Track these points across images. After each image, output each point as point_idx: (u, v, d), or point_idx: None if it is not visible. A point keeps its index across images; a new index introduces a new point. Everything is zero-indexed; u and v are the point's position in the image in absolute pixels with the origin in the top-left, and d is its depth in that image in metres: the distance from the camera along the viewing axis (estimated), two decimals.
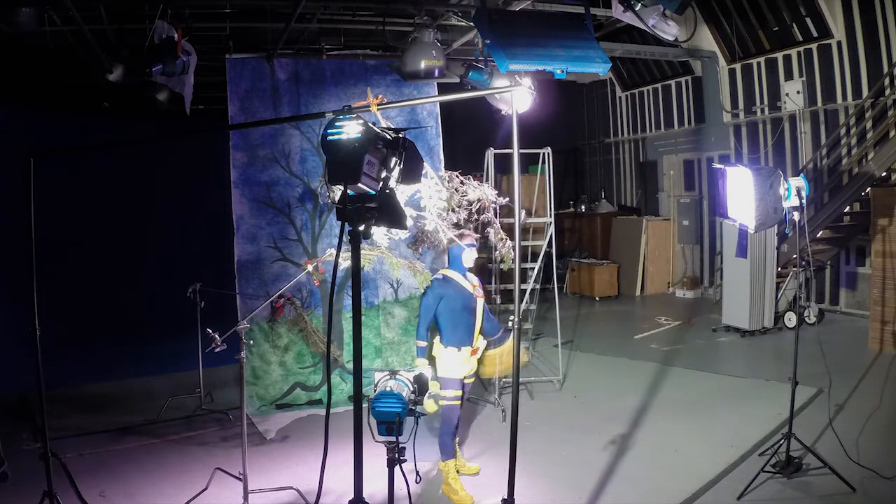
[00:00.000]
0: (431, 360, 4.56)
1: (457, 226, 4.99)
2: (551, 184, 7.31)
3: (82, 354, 7.76)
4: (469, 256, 4.61)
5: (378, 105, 3.26)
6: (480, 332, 4.67)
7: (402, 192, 4.50)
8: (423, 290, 6.31)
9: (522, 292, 5.35)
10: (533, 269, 7.28)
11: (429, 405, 4.18)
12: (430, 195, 4.72)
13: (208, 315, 5.81)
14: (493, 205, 5.27)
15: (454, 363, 4.50)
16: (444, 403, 4.50)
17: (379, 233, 4.78)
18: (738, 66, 10.85)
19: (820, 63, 9.55)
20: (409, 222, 4.63)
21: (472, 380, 4.70)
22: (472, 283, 4.60)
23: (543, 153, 7.15)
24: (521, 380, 4.73)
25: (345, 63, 6.70)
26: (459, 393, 4.55)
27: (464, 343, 4.50)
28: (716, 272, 11.19)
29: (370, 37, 6.84)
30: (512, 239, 5.28)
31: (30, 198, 3.73)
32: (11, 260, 7.35)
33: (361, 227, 2.19)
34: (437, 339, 4.60)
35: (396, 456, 2.86)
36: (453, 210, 4.96)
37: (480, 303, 4.62)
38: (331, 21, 6.57)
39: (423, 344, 4.52)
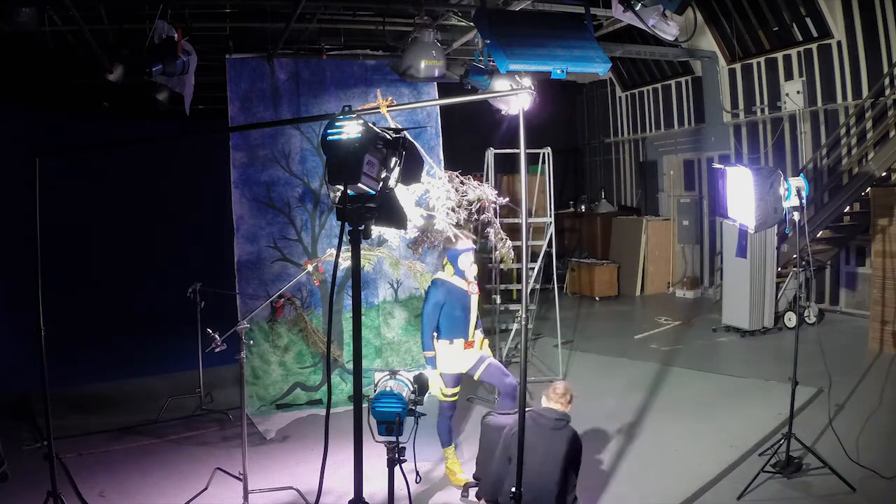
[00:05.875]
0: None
1: (457, 226, 4.99)
2: (551, 184, 7.31)
3: (82, 354, 7.76)
4: (466, 260, 4.64)
5: (388, 107, 3.28)
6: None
7: (413, 192, 4.53)
8: (423, 292, 6.39)
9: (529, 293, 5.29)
10: (533, 269, 7.29)
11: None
12: (439, 195, 4.74)
13: (208, 315, 5.81)
14: (493, 205, 5.27)
15: (448, 356, 4.60)
16: (441, 399, 4.63)
17: (391, 233, 4.87)
18: (738, 66, 10.84)
19: (820, 63, 9.55)
20: (421, 222, 4.68)
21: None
22: (466, 281, 4.66)
23: (543, 153, 7.15)
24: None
25: (345, 63, 6.70)
26: (456, 390, 4.67)
27: (455, 335, 4.59)
28: (716, 272, 11.19)
29: (370, 37, 6.84)
30: (512, 239, 5.28)
31: (35, 198, 3.72)
32: (12, 260, 7.39)
33: (361, 227, 2.20)
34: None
35: (396, 456, 2.87)
36: (453, 210, 4.96)
37: (475, 299, 4.71)
38: (331, 21, 6.57)
39: (431, 354, 4.62)
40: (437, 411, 4.68)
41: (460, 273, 4.65)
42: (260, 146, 6.40)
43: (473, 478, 4.45)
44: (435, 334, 4.63)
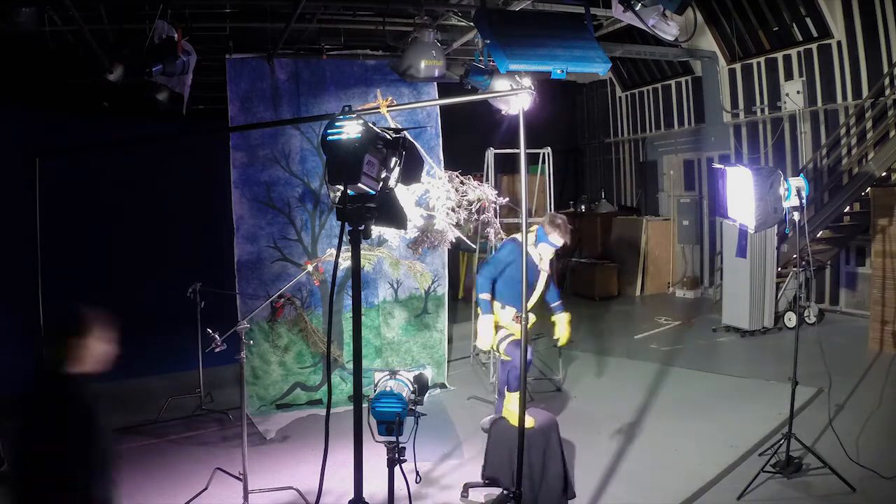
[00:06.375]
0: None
1: (458, 226, 5.02)
2: (551, 184, 7.31)
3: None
4: (546, 250, 4.79)
5: (388, 107, 3.29)
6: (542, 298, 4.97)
7: (413, 192, 4.54)
8: (423, 292, 6.42)
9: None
10: None
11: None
12: (439, 195, 4.76)
13: (208, 315, 5.81)
14: (493, 205, 5.28)
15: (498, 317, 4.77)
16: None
17: (391, 233, 4.90)
18: (738, 66, 10.85)
19: (820, 63, 9.55)
20: (421, 222, 4.70)
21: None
22: (539, 255, 4.82)
23: (543, 153, 7.16)
24: None
25: (345, 63, 6.70)
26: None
27: (510, 303, 4.74)
28: (716, 272, 11.19)
29: (370, 37, 6.84)
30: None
31: (35, 198, 3.73)
32: (12, 260, 7.38)
33: (361, 227, 2.20)
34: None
35: (396, 456, 2.86)
36: (453, 210, 4.97)
37: (543, 276, 4.87)
38: (331, 21, 6.57)
39: (487, 296, 4.68)
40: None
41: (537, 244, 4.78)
42: (260, 146, 6.40)
43: (484, 478, 4.42)
44: (490, 296, 4.69)
